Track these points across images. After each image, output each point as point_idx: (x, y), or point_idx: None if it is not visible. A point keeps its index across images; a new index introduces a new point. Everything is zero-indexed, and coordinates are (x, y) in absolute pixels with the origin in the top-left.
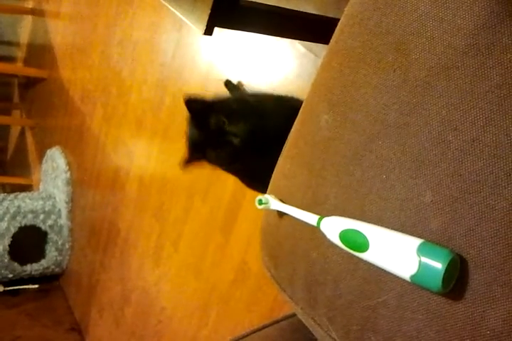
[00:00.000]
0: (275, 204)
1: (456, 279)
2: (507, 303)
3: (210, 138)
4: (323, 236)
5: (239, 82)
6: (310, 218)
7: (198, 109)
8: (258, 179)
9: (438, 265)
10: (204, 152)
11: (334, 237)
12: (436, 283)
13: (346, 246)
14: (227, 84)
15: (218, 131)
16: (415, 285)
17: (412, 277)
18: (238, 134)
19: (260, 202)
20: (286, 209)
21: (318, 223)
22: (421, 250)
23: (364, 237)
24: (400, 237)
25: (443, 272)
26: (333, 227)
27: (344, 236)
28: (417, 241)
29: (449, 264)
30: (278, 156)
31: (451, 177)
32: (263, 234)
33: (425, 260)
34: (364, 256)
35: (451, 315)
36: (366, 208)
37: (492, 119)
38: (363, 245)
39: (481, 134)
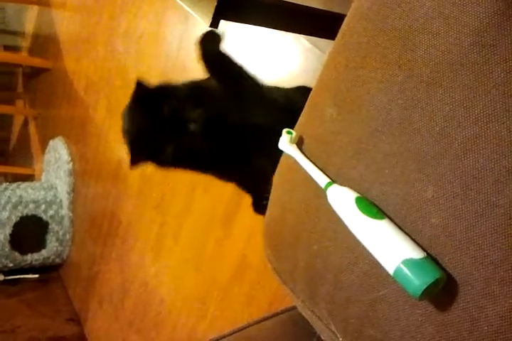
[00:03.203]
0: (294, 151)
1: (457, 275)
2: (505, 300)
3: (163, 127)
4: (327, 203)
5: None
6: (321, 178)
7: (149, 93)
8: (226, 172)
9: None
10: (155, 145)
11: (349, 203)
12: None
13: (362, 212)
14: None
15: (175, 118)
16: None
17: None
18: (198, 119)
19: (289, 132)
20: (302, 160)
21: (327, 186)
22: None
23: (378, 208)
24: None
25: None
26: (345, 194)
27: (360, 202)
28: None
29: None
30: (246, 148)
31: (453, 173)
32: (266, 227)
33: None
34: (381, 223)
35: (450, 311)
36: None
37: (495, 116)
38: (378, 214)
39: (484, 131)
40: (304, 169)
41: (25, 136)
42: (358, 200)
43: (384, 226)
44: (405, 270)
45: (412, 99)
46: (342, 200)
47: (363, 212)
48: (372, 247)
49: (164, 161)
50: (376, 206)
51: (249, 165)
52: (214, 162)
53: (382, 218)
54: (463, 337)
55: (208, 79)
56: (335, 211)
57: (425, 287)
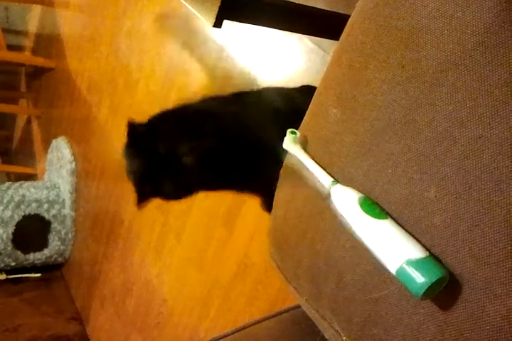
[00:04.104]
0: (298, 151)
1: (459, 274)
2: (507, 300)
3: (160, 165)
4: (331, 202)
5: None
6: (325, 178)
7: (142, 133)
8: (234, 187)
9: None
10: (156, 183)
11: (352, 203)
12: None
13: (365, 212)
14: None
15: (169, 155)
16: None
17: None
18: (190, 152)
19: (293, 132)
20: (306, 160)
21: (331, 186)
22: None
23: (381, 207)
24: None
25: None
26: (348, 194)
27: (363, 202)
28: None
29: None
30: (250, 169)
31: (455, 173)
32: (271, 226)
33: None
34: (384, 223)
35: (452, 310)
36: None
37: (498, 116)
38: (381, 213)
39: (487, 131)
40: (307, 169)
41: (28, 136)
42: (361, 200)
43: (386, 225)
44: (408, 269)
45: (415, 99)
46: (345, 200)
47: (366, 212)
48: (375, 247)
49: (169, 196)
50: (379, 206)
51: (256, 170)
52: (218, 184)
53: (385, 218)
54: (464, 336)
55: (202, 101)
56: (338, 210)
57: (427, 286)
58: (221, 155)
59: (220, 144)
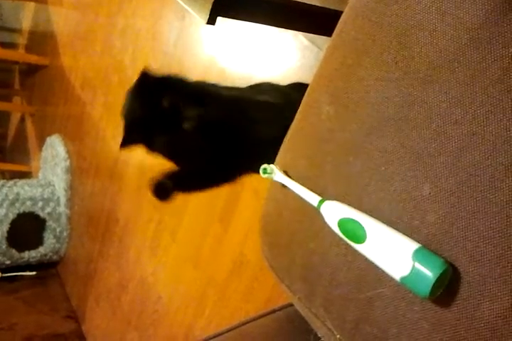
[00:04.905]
0: (279, 176)
1: (453, 272)
2: (502, 297)
3: (160, 118)
4: (322, 219)
5: None
6: (312, 197)
7: (154, 82)
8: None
9: (429, 274)
10: (149, 134)
11: (333, 223)
12: (425, 290)
13: (344, 234)
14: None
15: (171, 112)
16: (403, 286)
17: (403, 279)
18: (193, 118)
19: (265, 171)
20: (290, 183)
21: (319, 205)
22: (417, 255)
23: (363, 229)
24: (399, 238)
25: (433, 281)
26: (333, 213)
27: (343, 224)
28: (414, 246)
29: (440, 275)
30: (232, 152)
31: (449, 170)
32: (263, 223)
33: (418, 266)
34: (360, 247)
35: (447, 308)
36: (364, 200)
37: (492, 113)
38: (360, 237)
39: (481, 128)
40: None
41: (22, 133)
42: (341, 223)
43: (363, 249)
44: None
45: (408, 96)
46: (331, 219)
47: (346, 236)
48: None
49: (155, 150)
50: (360, 225)
51: (247, 153)
52: (203, 162)
53: (362, 242)
54: (459, 334)
55: (214, 85)
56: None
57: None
58: (220, 132)
59: (223, 121)
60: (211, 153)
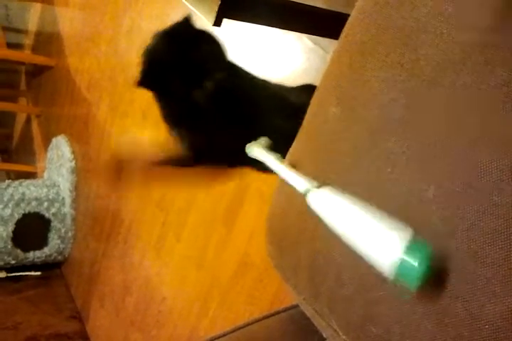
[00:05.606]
0: (257, 151)
1: (457, 274)
2: (506, 299)
3: (182, 68)
4: (309, 206)
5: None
6: (300, 183)
7: (191, 31)
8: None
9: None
10: (164, 81)
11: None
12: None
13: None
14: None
15: (197, 65)
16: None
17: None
18: (215, 80)
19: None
20: (270, 161)
21: (306, 193)
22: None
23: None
24: (387, 228)
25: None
26: (322, 200)
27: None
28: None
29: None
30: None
31: (454, 172)
32: (269, 223)
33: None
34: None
35: (451, 309)
36: (369, 200)
37: (497, 116)
38: None
39: (487, 131)
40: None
41: (28, 134)
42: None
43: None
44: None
45: (414, 98)
46: (323, 204)
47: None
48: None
49: (166, 102)
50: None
51: (262, 127)
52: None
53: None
54: (463, 335)
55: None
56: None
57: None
58: (233, 106)
59: (241, 97)
60: (218, 122)
